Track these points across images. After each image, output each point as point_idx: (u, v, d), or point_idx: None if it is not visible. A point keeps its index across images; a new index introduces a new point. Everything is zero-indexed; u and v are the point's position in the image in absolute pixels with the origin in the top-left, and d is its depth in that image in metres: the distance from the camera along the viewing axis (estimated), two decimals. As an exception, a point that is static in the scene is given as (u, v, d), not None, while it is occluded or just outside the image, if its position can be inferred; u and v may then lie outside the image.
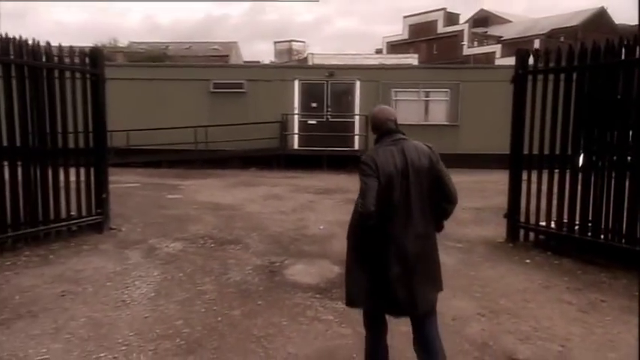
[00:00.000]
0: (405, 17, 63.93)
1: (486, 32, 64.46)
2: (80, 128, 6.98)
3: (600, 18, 55.05)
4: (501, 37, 61.37)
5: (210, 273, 5.52)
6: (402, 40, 61.91)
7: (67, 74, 6.83)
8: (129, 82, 16.77)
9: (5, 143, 6.15)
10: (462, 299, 4.87)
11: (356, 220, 3.10)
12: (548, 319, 4.49)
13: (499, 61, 46.26)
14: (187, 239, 6.93)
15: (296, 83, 17.05)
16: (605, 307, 4.82)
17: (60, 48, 6.75)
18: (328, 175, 14.73)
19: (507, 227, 6.96)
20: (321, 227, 7.56)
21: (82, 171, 7.05)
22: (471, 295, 5.00)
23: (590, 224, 6.12)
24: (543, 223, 6.61)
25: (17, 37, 6.21)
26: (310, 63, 26.66)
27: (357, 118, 16.37)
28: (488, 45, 59.98)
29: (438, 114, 17.05)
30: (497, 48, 57.23)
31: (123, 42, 52.24)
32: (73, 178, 6.95)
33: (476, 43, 60.99)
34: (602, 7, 57.19)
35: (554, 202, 6.42)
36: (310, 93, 17.07)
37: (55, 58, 6.69)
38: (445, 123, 16.99)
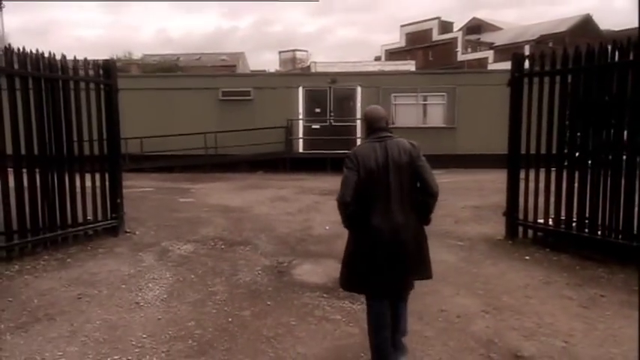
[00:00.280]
0: (402, 26, 63.83)
1: (479, 39, 64.24)
2: (95, 136, 6.88)
3: (586, 24, 54.75)
4: (493, 43, 61.19)
5: (220, 274, 5.38)
6: (400, 47, 61.83)
7: (82, 85, 6.72)
8: (142, 91, 16.79)
9: (24, 151, 6.05)
10: (466, 296, 4.72)
11: (338, 209, 3.23)
12: (550, 314, 4.33)
13: (492, 66, 46.13)
14: (199, 241, 6.80)
15: (300, 90, 16.97)
16: (605, 301, 4.66)
17: (75, 60, 6.66)
18: (332, 177, 14.52)
19: (506, 225, 6.79)
20: (327, 227, 7.41)
21: (98, 177, 6.94)
22: (474, 292, 4.85)
23: (587, 221, 5.97)
24: (541, 221, 6.45)
25: (35, 50, 6.14)
26: (313, 71, 26.56)
27: (358, 122, 16.17)
28: (481, 51, 59.77)
29: (436, 117, 16.93)
30: (489, 54, 57.09)
31: (137, 55, 52.44)
32: (88, 184, 6.83)
33: (469, 50, 60.79)
34: (588, 14, 57.11)
35: (552, 199, 6.26)
36: (314, 99, 16.98)
37: (70, 71, 6.59)
38: (443, 125, 16.86)
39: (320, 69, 21.33)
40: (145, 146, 16.04)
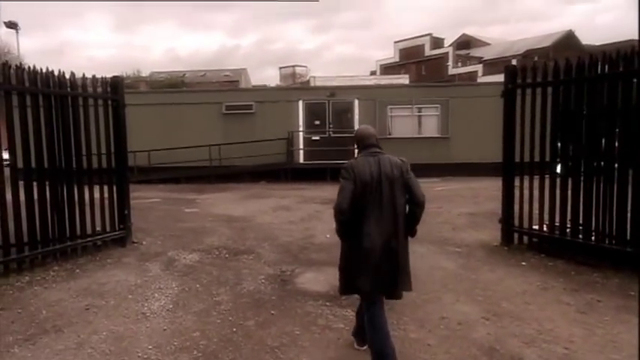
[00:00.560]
0: (396, 42, 64.18)
1: (469, 54, 64.54)
2: (103, 149, 6.75)
3: (569, 39, 55.07)
4: (482, 57, 61.47)
5: (225, 283, 5.22)
6: (394, 62, 62.13)
7: (91, 102, 6.62)
8: (150, 106, 16.79)
9: (34, 165, 5.93)
10: (466, 303, 4.57)
11: (334, 217, 3.26)
12: (549, 320, 4.18)
13: (481, 79, 46.32)
14: (204, 250, 6.64)
15: (300, 103, 16.89)
16: (602, 306, 4.52)
17: (83, 78, 6.55)
18: (331, 187, 14.33)
19: (502, 231, 6.65)
20: (327, 236, 7.25)
21: (106, 189, 6.81)
22: (473, 298, 4.70)
23: (581, 227, 5.84)
24: (536, 227, 6.32)
25: (45, 69, 6.05)
26: (312, 85, 26.51)
27: (356, 133, 15.99)
28: (470, 65, 60.09)
29: (430, 127, 16.83)
30: (479, 68, 57.45)
31: (145, 72, 52.62)
32: (97, 195, 6.70)
33: (460, 64, 61.10)
34: (571, 30, 57.58)
35: (546, 206, 6.13)
36: (313, 112, 16.89)
37: (79, 87, 6.48)
38: (437, 135, 16.75)
39: (319, 83, 21.30)
40: (152, 158, 15.94)
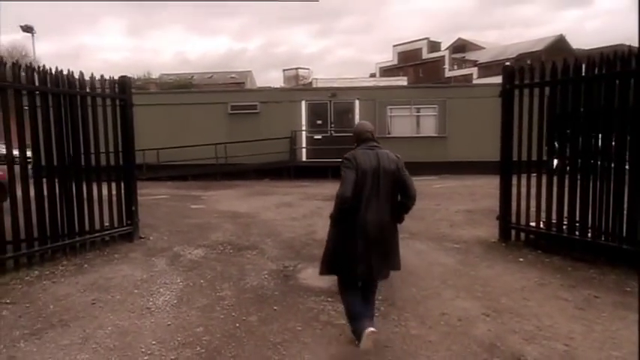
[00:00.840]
0: (395, 46, 63.95)
1: (464, 57, 64.22)
2: (111, 147, 6.61)
3: (560, 44, 54.73)
4: (477, 61, 61.22)
5: (229, 279, 5.07)
6: (393, 65, 61.89)
7: (99, 102, 6.47)
8: (159, 106, 16.74)
9: (44, 162, 5.79)
10: (466, 299, 4.42)
11: (336, 204, 3.32)
12: (548, 317, 4.03)
13: (476, 81, 46.08)
14: (208, 246, 6.49)
15: (303, 103, 16.75)
16: (600, 303, 4.36)
17: (92, 77, 6.40)
18: (333, 184, 14.15)
19: (500, 228, 6.50)
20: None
21: (114, 186, 6.68)
22: (473, 294, 4.54)
23: (577, 224, 5.68)
24: (533, 224, 6.16)
25: (54, 69, 5.92)
26: (315, 86, 26.31)
27: (357, 132, 15.84)
28: (466, 68, 59.80)
29: (428, 127, 16.69)
30: (474, 70, 57.24)
31: (155, 74, 52.52)
32: (105, 192, 6.57)
33: (455, 67, 60.86)
34: (561, 35, 57.32)
35: (543, 204, 5.97)
36: (316, 112, 16.76)
37: (88, 87, 6.34)
38: (434, 135, 16.61)
39: (321, 85, 21.10)
40: (161, 156, 15.85)
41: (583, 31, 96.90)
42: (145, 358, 3.37)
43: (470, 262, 5.62)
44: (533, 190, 6.08)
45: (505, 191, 6.41)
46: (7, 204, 5.47)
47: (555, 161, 5.98)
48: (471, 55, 64.56)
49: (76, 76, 6.12)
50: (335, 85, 18.49)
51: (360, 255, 3.31)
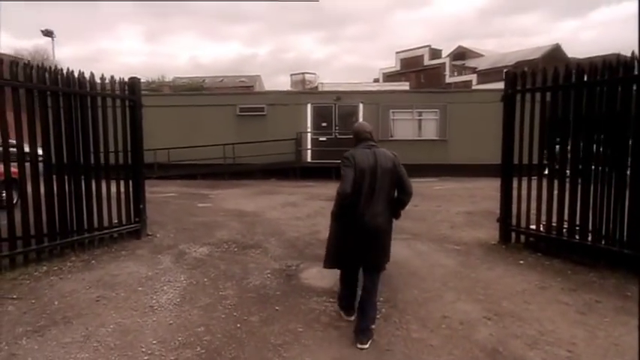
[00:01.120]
0: (397, 53, 63.63)
1: (464, 64, 63.79)
2: (120, 146, 6.46)
3: (556, 52, 54.19)
4: (476, 68, 60.80)
5: (232, 277, 4.89)
6: (395, 71, 61.59)
7: (109, 102, 6.33)
8: (171, 108, 16.68)
9: (54, 159, 5.65)
10: (467, 302, 4.22)
11: (336, 200, 3.39)
12: (550, 321, 3.83)
13: (475, 87, 45.69)
14: (213, 244, 6.32)
15: (309, 106, 16.56)
16: (601, 307, 4.15)
17: (102, 78, 6.25)
18: (336, 184, 13.73)
19: (500, 230, 6.28)
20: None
21: (122, 184, 6.53)
22: (474, 297, 4.34)
23: (577, 228, 5.46)
24: (533, 227, 5.95)
25: (76, 72, 5.79)
26: (320, 90, 26.10)
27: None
28: (465, 75, 59.42)
29: (430, 130, 16.44)
30: (473, 77, 56.91)
31: (169, 77, 52.55)
32: (114, 190, 6.42)
33: (456, 73, 60.47)
34: (557, 44, 56.80)
35: (543, 207, 5.76)
36: (321, 114, 16.56)
37: (98, 86, 6.20)
38: (436, 138, 16.36)
39: (326, 89, 20.93)
40: (171, 156, 15.73)
41: (578, 40, 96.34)
42: (145, 358, 3.21)
43: (471, 264, 5.42)
44: (533, 193, 5.86)
45: (506, 194, 6.20)
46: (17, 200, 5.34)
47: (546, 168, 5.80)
48: (470, 63, 64.14)
49: (87, 77, 5.98)
50: (340, 89, 18.28)
51: (356, 247, 3.42)
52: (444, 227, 7.37)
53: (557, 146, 5.76)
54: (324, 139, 16.38)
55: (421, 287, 4.57)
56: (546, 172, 5.82)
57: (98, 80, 6.14)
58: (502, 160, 6.23)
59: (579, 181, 5.38)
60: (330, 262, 3.66)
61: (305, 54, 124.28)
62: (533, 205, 5.86)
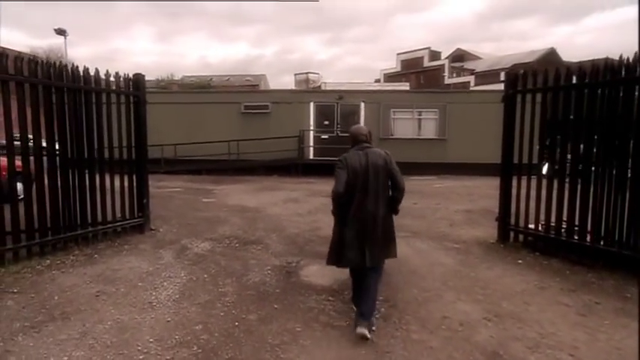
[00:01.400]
0: (398, 54, 63.33)
1: (462, 66, 63.32)
2: (124, 142, 6.28)
3: (551, 56, 53.70)
4: (474, 69, 60.38)
5: (232, 274, 4.71)
6: (396, 72, 61.29)
7: (114, 98, 6.15)
8: (178, 105, 16.54)
9: (59, 154, 5.48)
10: (467, 302, 4.03)
11: (332, 200, 3.49)
12: (551, 323, 3.64)
13: (473, 89, 45.39)
14: (215, 239, 6.14)
15: (311, 105, 16.31)
16: (601, 309, 3.96)
17: (107, 74, 6.07)
18: (338, 181, 13.87)
19: (498, 229, 6.09)
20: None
21: (126, 179, 6.36)
22: (474, 297, 4.15)
23: (576, 228, 5.26)
24: (532, 226, 5.75)
25: (71, 65, 5.60)
26: (323, 89, 25.84)
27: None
28: (464, 76, 59.02)
29: (429, 130, 16.17)
30: (471, 78, 56.59)
31: (178, 76, 52.40)
32: (117, 184, 6.25)
33: (454, 75, 60.10)
34: (552, 48, 56.38)
35: (542, 207, 5.56)
36: (323, 113, 16.32)
37: (103, 82, 6.01)
38: (435, 137, 16.10)
39: (329, 88, 20.68)
40: (178, 151, 15.55)
41: (573, 45, 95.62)
42: (141, 357, 3.04)
43: (470, 262, 5.23)
44: (532, 193, 5.66)
45: (505, 193, 6.00)
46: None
47: (545, 167, 5.59)
48: (468, 65, 63.67)
49: (92, 73, 5.79)
50: (342, 88, 18.02)
51: (352, 243, 3.43)
52: (443, 225, 7.17)
53: (558, 147, 5.54)
54: (326, 136, 16.16)
55: (421, 286, 4.39)
56: (544, 170, 5.61)
57: (103, 76, 5.96)
58: (502, 159, 6.02)
59: (579, 181, 5.18)
60: (332, 260, 3.64)
61: (309, 55, 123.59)
62: (532, 204, 5.65)
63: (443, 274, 4.77)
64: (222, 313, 3.71)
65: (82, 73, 5.65)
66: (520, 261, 5.30)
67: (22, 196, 5.26)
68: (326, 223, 7.20)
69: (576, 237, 5.24)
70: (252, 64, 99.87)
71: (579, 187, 5.16)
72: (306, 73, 48.71)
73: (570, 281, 4.64)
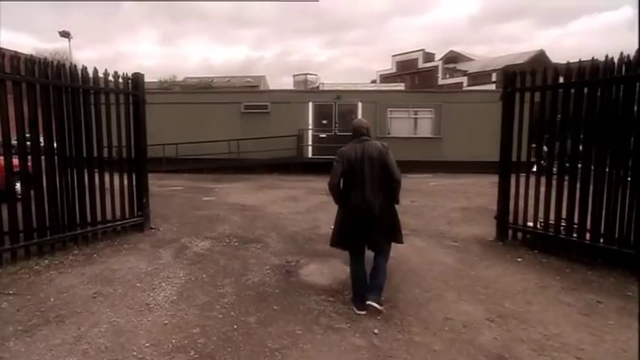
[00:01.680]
0: (394, 56, 63.14)
1: (455, 67, 63.12)
2: (124, 141, 6.06)
3: (541, 58, 53.61)
4: (467, 71, 60.27)
5: (231, 274, 4.50)
6: (391, 73, 61.13)
7: (113, 97, 5.92)
8: (179, 105, 16.30)
9: (57, 153, 5.25)
10: (469, 302, 3.84)
11: (329, 190, 3.63)
12: (554, 324, 3.45)
13: (466, 89, 45.24)
14: (215, 238, 5.93)
15: (310, 105, 16.09)
16: (603, 308, 3.78)
17: (105, 73, 5.84)
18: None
19: (497, 227, 5.89)
20: (332, 227, 6.53)
21: (126, 178, 6.14)
22: (475, 297, 3.96)
23: (575, 226, 5.07)
24: (530, 224, 5.56)
25: (70, 64, 5.36)
26: (321, 89, 25.56)
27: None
28: (457, 77, 58.84)
29: (425, 128, 15.97)
30: (464, 79, 56.56)
31: (180, 77, 52.01)
32: (117, 183, 6.03)
33: (448, 76, 59.93)
34: (542, 50, 56.47)
35: (541, 205, 5.36)
36: (321, 112, 16.10)
37: (102, 81, 5.78)
38: (431, 136, 15.91)
39: (327, 88, 20.42)
40: (179, 151, 15.32)
41: (560, 47, 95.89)
42: (136, 363, 2.83)
43: (469, 261, 5.03)
44: (531, 191, 5.47)
45: (504, 191, 5.80)
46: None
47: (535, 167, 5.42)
48: (461, 66, 63.52)
49: (90, 72, 5.56)
50: (340, 88, 17.79)
51: (353, 228, 3.54)
52: (441, 223, 6.98)
53: (557, 144, 5.35)
54: (324, 135, 15.94)
55: (422, 286, 4.19)
56: (534, 168, 5.43)
57: (102, 76, 5.72)
58: (500, 157, 5.82)
59: (578, 178, 4.99)
60: (335, 242, 3.73)
61: (308, 57, 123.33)
62: (531, 202, 5.46)
63: (443, 273, 4.57)
64: (220, 316, 3.50)
65: (80, 73, 5.43)
66: (519, 259, 5.11)
67: (20, 196, 5.05)
68: (325, 222, 7.01)
69: (575, 235, 5.05)
70: (252, 65, 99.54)
71: (578, 184, 4.97)
72: (305, 74, 48.33)
73: (571, 280, 4.46)
